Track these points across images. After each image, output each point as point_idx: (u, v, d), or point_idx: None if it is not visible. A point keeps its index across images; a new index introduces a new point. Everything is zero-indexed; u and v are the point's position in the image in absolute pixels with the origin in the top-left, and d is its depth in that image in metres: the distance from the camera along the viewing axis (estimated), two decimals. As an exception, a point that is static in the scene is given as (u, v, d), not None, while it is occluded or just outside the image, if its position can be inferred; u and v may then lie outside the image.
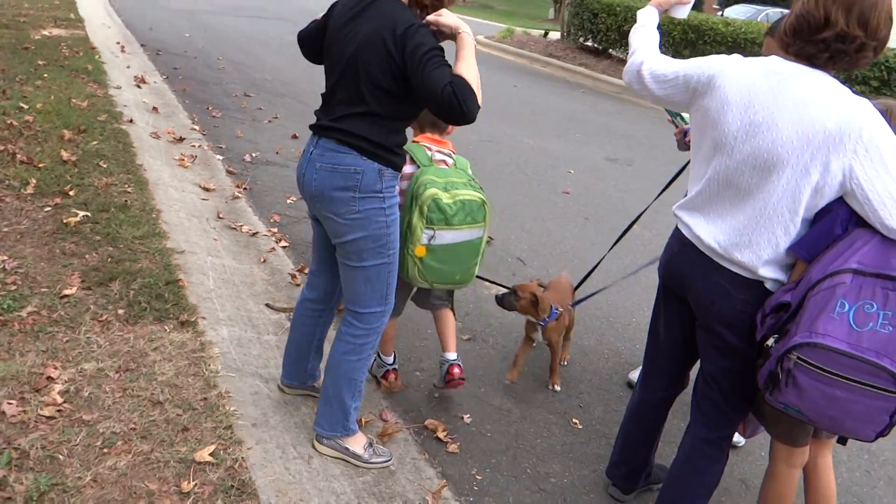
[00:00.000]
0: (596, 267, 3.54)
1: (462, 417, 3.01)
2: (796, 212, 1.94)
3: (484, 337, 3.69)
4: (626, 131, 9.30)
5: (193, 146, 5.96)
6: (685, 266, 2.21)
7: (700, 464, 2.29)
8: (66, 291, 3.20)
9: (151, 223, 4.08)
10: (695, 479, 2.30)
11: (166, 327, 3.10)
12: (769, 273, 2.02)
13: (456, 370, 2.97)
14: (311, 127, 2.39)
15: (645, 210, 3.58)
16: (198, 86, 8.28)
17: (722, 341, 2.16)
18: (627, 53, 11.10)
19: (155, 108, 6.81)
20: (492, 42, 16.54)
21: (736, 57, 2.09)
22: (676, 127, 3.11)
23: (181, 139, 6.04)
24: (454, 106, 2.06)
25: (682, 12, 2.54)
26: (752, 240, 2.02)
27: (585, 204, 6.11)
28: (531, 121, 9.11)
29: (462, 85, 2.07)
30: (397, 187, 2.39)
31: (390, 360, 3.14)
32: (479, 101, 2.13)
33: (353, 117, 2.26)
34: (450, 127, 2.91)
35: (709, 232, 2.12)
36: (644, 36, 2.36)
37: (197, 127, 6.61)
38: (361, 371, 2.56)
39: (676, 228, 2.29)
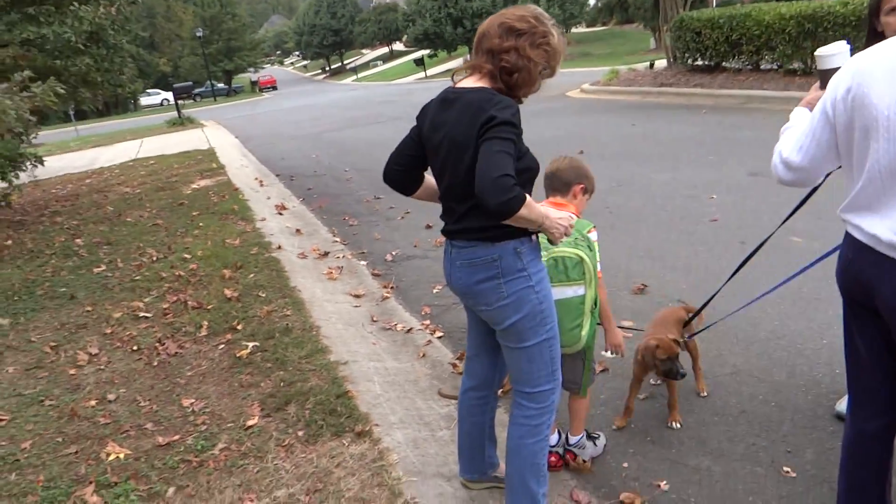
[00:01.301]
0: (714, 296, 3.27)
1: (659, 485, 2.80)
2: None
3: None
4: (762, 141, 8.77)
5: (338, 257, 6.24)
6: (865, 272, 1.98)
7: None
8: (250, 422, 3.36)
9: (313, 340, 4.25)
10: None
11: (344, 441, 3.15)
12: None
13: (552, 458, 2.87)
14: (442, 232, 2.42)
15: (779, 227, 3.24)
16: (331, 200, 8.75)
17: None
18: (747, 66, 10.68)
19: (298, 231, 7.24)
20: (598, 87, 16.45)
21: (856, 55, 1.96)
22: None
23: (326, 254, 6.35)
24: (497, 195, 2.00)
25: None
26: None
27: (738, 228, 5.74)
28: (658, 155, 8.83)
29: (511, 192, 1.99)
30: (541, 260, 2.34)
31: (574, 439, 3.00)
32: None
33: (471, 212, 2.25)
34: (575, 188, 2.84)
35: (886, 227, 1.89)
36: (786, 136, 2.25)
37: (338, 239, 6.94)
38: (542, 453, 2.46)
39: (847, 234, 2.07)
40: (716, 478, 2.80)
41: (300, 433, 3.24)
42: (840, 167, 2.10)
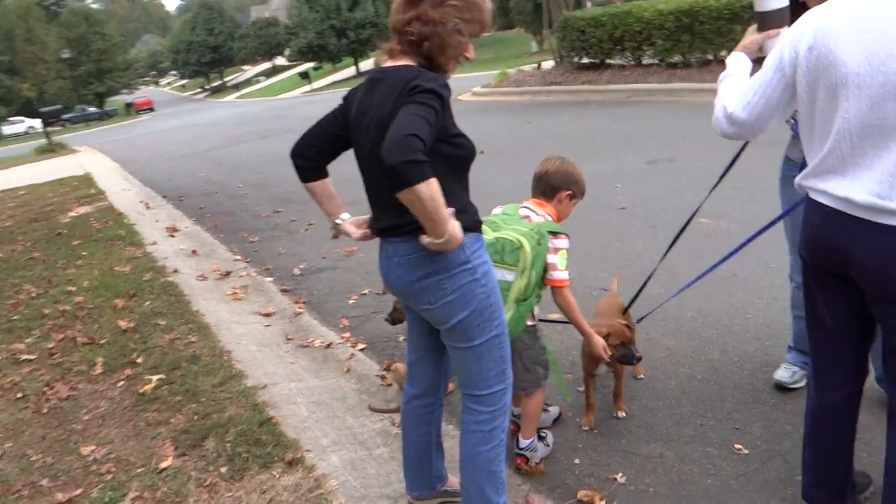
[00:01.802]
0: (649, 279, 3.23)
1: (615, 478, 2.68)
2: None
3: (602, 383, 3.37)
4: (653, 130, 9.04)
5: (241, 276, 5.87)
6: (838, 237, 1.91)
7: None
8: (163, 464, 3.00)
9: (226, 366, 3.90)
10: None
11: (274, 472, 2.86)
12: None
13: (518, 461, 2.79)
14: (376, 231, 2.24)
15: (699, 208, 3.23)
16: (227, 218, 8.30)
17: None
18: (630, 62, 10.93)
19: (194, 252, 6.78)
20: (490, 90, 16.59)
21: (811, 10, 1.88)
22: None
23: (228, 273, 5.96)
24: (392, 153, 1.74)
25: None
26: None
27: (646, 214, 5.80)
28: (557, 150, 8.79)
29: (413, 154, 1.73)
30: (485, 251, 2.16)
31: (525, 442, 2.84)
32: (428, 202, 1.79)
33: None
34: (561, 194, 2.77)
35: (859, 188, 1.82)
36: (728, 85, 2.17)
37: (239, 257, 6.54)
38: (498, 460, 2.28)
39: (812, 201, 2.00)
40: (670, 463, 2.71)
41: (223, 469, 2.92)
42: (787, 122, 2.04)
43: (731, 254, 2.85)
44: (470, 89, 17.92)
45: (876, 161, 1.79)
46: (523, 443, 2.80)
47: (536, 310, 2.73)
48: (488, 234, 2.47)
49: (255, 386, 3.64)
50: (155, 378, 3.82)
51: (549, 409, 3.09)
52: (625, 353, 2.87)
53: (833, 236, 1.92)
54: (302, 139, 2.33)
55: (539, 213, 2.72)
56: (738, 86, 2.15)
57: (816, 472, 2.25)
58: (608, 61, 14.54)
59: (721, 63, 12.10)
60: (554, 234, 2.62)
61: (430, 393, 2.46)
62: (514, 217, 2.64)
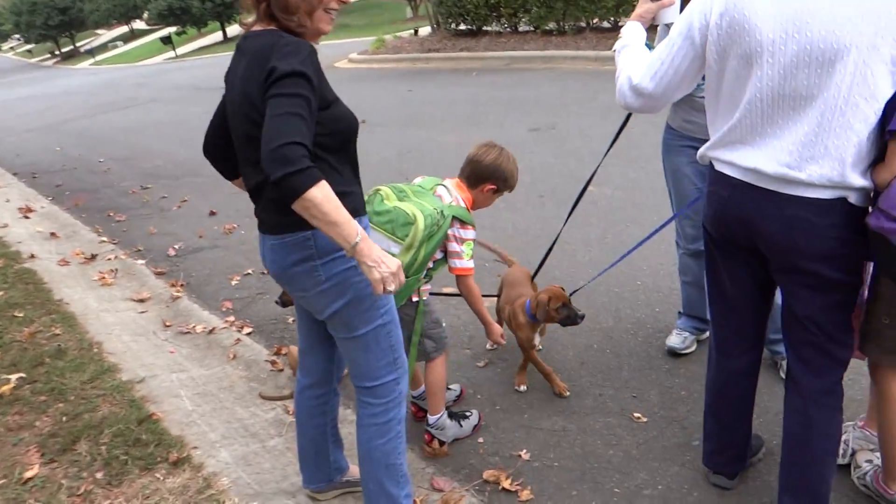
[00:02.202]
0: (552, 247, 3.24)
1: (520, 455, 2.65)
2: (874, 96, 1.67)
3: (501, 357, 3.34)
4: (533, 98, 9.13)
5: (109, 259, 5.40)
6: (745, 209, 1.91)
7: (821, 420, 2.00)
8: (28, 474, 2.69)
9: (96, 360, 3.57)
10: (821, 439, 2.00)
11: (158, 474, 2.63)
12: (856, 180, 1.74)
13: (425, 437, 2.73)
14: (256, 213, 2.05)
15: (594, 174, 3.24)
16: (89, 196, 7.65)
17: (817, 279, 1.87)
18: (507, 28, 10.97)
19: (53, 234, 6.20)
20: (368, 56, 16.23)
21: None
22: None
23: (93, 256, 5.47)
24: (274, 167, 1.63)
25: (670, 16, 2.27)
26: (828, 145, 1.73)
27: (532, 182, 5.83)
28: (440, 118, 8.82)
29: (295, 164, 1.62)
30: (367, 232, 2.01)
31: (432, 418, 2.77)
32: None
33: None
34: (485, 185, 2.64)
35: (769, 158, 1.82)
36: (628, 56, 2.11)
37: (105, 238, 6.03)
38: (397, 452, 2.18)
39: (718, 173, 1.99)
40: (573, 436, 2.72)
41: (98, 475, 2.65)
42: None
43: (660, 228, 2.86)
44: (346, 56, 17.47)
45: (786, 131, 1.79)
46: (431, 419, 2.73)
47: (427, 286, 2.63)
48: (390, 201, 2.34)
49: (131, 380, 3.35)
50: (14, 377, 3.42)
51: (451, 387, 3.03)
52: (567, 315, 2.83)
53: (741, 208, 1.92)
54: (205, 136, 2.16)
55: (453, 195, 2.59)
56: (639, 56, 2.11)
57: (718, 440, 2.30)
58: (485, 28, 14.56)
59: (595, 31, 12.41)
60: (462, 223, 2.53)
61: (323, 383, 2.33)
62: (426, 192, 2.50)
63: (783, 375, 2.82)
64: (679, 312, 3.23)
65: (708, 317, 3.12)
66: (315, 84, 1.76)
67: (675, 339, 3.14)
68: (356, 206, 1.96)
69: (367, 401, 2.14)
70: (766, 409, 2.70)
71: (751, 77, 1.79)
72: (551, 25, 13.01)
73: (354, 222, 1.70)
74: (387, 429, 2.15)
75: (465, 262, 2.57)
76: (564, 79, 10.12)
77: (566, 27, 12.68)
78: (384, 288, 1.73)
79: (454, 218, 2.50)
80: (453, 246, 2.55)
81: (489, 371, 3.23)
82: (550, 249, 3.19)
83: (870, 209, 1.78)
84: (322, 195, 1.63)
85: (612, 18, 12.13)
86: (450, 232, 2.52)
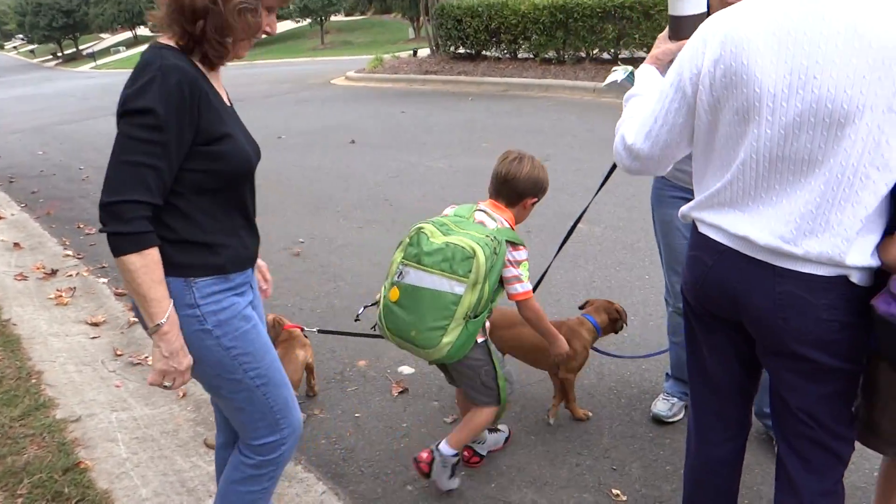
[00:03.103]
0: (540, 281, 2.99)
1: (482, 534, 2.37)
2: (887, 165, 1.42)
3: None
4: (530, 126, 8.91)
5: (70, 276, 5.11)
6: (731, 280, 1.66)
7: (822, 525, 1.73)
8: (-70, 528, 2.40)
9: (32, 393, 3.27)
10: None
11: (74, 537, 2.33)
12: (859, 259, 1.49)
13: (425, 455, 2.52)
14: None
15: (584, 212, 3.01)
16: (63, 205, 7.36)
17: (812, 365, 1.61)
18: (506, 55, 10.78)
19: (17, 245, 5.90)
20: (363, 75, 16.05)
21: (713, 17, 1.60)
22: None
23: (54, 272, 5.18)
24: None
25: None
26: (830, 219, 1.48)
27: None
28: (432, 143, 8.59)
29: (116, 225, 1.56)
30: (231, 296, 1.78)
31: (448, 450, 2.53)
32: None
33: None
34: (526, 201, 2.48)
35: (762, 227, 1.57)
36: (634, 110, 1.84)
37: (71, 252, 5.74)
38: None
39: (700, 236, 1.74)
40: (544, 514, 2.43)
41: (7, 535, 2.36)
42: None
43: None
44: (344, 73, 17.30)
45: (783, 198, 1.55)
46: (444, 448, 2.46)
47: (487, 324, 2.43)
48: (437, 238, 2.23)
49: (65, 419, 3.06)
50: (-63, 409, 3.13)
51: (500, 428, 2.81)
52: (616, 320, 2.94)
53: (726, 278, 1.67)
54: None
55: (496, 219, 2.40)
56: (640, 111, 1.85)
57: (699, 533, 2.02)
58: (484, 53, 14.40)
59: (594, 61, 12.25)
60: (513, 244, 2.34)
61: (231, 441, 2.08)
62: (467, 220, 2.36)
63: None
64: (666, 374, 2.96)
65: None
66: (168, 121, 1.55)
67: (661, 406, 2.86)
68: (225, 262, 1.74)
69: (244, 452, 1.96)
70: (760, 495, 2.42)
71: (747, 135, 1.55)
72: (551, 54, 12.85)
73: (168, 302, 1.60)
74: (254, 480, 1.97)
75: (525, 286, 2.39)
76: (561, 109, 9.93)
77: (566, 56, 12.52)
78: (160, 382, 1.67)
79: (506, 242, 2.31)
80: (510, 271, 2.36)
81: (447, 428, 2.94)
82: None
83: (876, 291, 1.53)
84: (141, 265, 1.56)
85: (612, 50, 11.97)
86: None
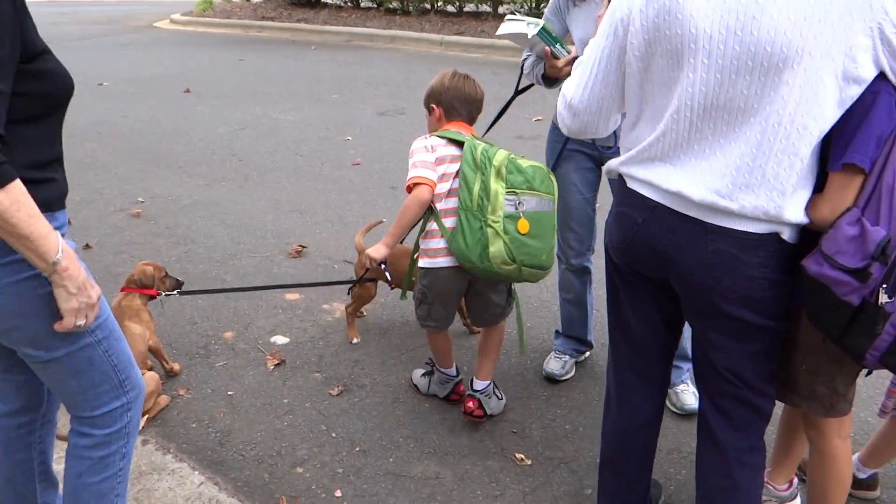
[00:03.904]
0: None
1: (388, 513, 2.21)
2: (822, 115, 1.39)
3: (358, 382, 2.87)
4: (380, 78, 8.62)
5: None
6: (661, 238, 1.60)
7: (746, 481, 1.74)
8: None
9: None
10: (744, 501, 1.75)
11: None
12: (794, 215, 1.47)
13: (469, 404, 2.53)
14: None
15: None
16: None
17: (740, 324, 1.59)
18: (348, 3, 10.26)
19: None
20: (191, 19, 14.82)
21: None
22: (556, 58, 2.39)
23: None
24: None
25: None
26: (766, 172, 1.45)
27: (383, 171, 5.36)
28: (277, 93, 8.06)
29: None
30: (61, 231, 1.51)
31: (453, 370, 2.70)
32: None
33: None
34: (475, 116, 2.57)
35: (695, 182, 1.51)
36: (574, 71, 1.73)
37: None
38: (115, 495, 1.75)
39: (628, 192, 1.66)
40: (449, 486, 2.31)
41: None
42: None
43: None
44: (168, 16, 15.88)
45: (716, 150, 1.49)
46: (479, 384, 2.56)
47: None
48: (524, 162, 2.30)
49: None
50: None
51: (498, 394, 2.67)
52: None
53: (656, 236, 1.61)
54: None
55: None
56: (580, 68, 1.73)
57: (615, 496, 1.99)
58: (324, 0, 13.79)
59: (440, 14, 12.09)
60: None
61: (27, 410, 1.79)
62: (495, 147, 2.35)
63: (673, 406, 2.60)
64: (556, 332, 2.93)
65: (588, 338, 2.87)
66: (6, 38, 1.30)
67: (553, 365, 2.82)
68: (51, 198, 1.48)
69: (85, 431, 1.68)
70: (658, 447, 2.45)
71: (680, 80, 1.47)
72: (394, 4, 12.53)
73: (55, 235, 1.35)
74: (104, 464, 1.71)
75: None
76: (410, 61, 9.69)
77: (410, 7, 12.25)
78: (72, 324, 1.45)
79: None
80: None
81: (344, 401, 2.74)
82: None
83: (802, 249, 1.53)
84: (9, 202, 1.28)
85: (457, 3, 11.86)
86: None
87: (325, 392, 2.79)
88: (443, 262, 2.35)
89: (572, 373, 2.84)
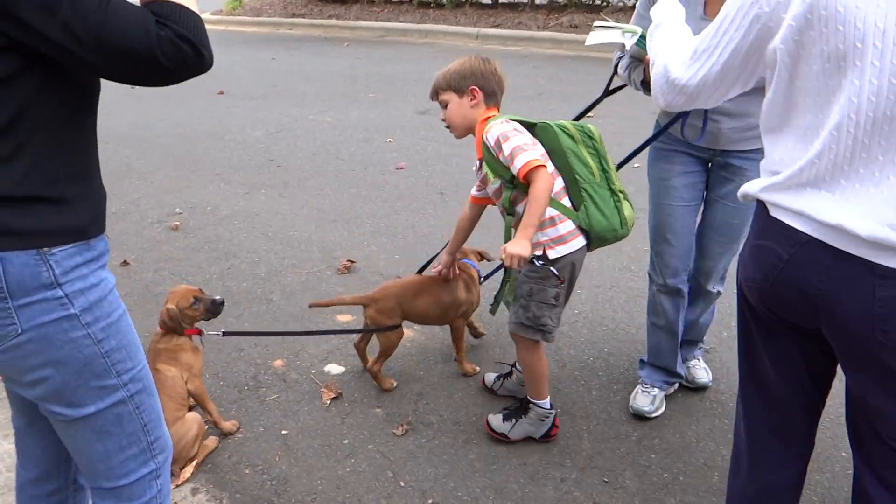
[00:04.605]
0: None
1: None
2: None
3: (424, 420, 2.60)
4: (417, 75, 8.34)
5: None
6: (813, 280, 1.30)
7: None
8: None
9: None
10: None
11: None
12: None
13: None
14: None
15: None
16: None
17: None
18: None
19: None
20: (222, 17, 14.67)
21: None
22: (638, 58, 2.13)
23: None
24: (184, 53, 1.18)
25: None
26: None
27: (429, 175, 5.08)
28: (313, 93, 7.83)
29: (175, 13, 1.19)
30: (97, 269, 1.34)
31: (548, 401, 2.44)
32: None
33: None
34: None
35: (861, 213, 1.22)
36: (664, 39, 1.56)
37: None
38: None
39: (772, 222, 1.36)
40: (538, 548, 2.03)
41: None
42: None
43: None
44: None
45: (890, 172, 1.19)
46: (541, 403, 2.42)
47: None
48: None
49: None
50: None
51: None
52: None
53: (806, 277, 1.31)
54: None
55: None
56: (679, 39, 1.53)
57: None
58: (356, -5, 13.55)
59: (474, 6, 11.76)
60: None
61: (52, 476, 1.61)
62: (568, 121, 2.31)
63: (684, 380, 2.63)
64: (641, 361, 2.64)
65: (678, 369, 2.58)
66: None
67: (641, 400, 2.53)
68: (88, 223, 1.31)
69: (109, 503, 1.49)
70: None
71: (842, 89, 1.19)
72: (428, -3, 12.25)
73: None
74: None
75: None
76: (446, 56, 9.40)
77: (444, 0, 11.95)
78: None
79: None
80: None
81: (410, 442, 2.48)
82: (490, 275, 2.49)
83: None
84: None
85: (492, -7, 11.54)
86: None
87: (388, 431, 2.53)
88: (578, 242, 2.23)
89: (663, 408, 2.55)
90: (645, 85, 2.19)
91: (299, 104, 7.34)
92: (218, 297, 2.47)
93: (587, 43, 2.23)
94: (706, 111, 2.15)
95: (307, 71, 9.07)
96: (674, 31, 1.55)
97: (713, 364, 2.77)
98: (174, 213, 4.58)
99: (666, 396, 2.59)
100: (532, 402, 2.40)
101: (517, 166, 2.08)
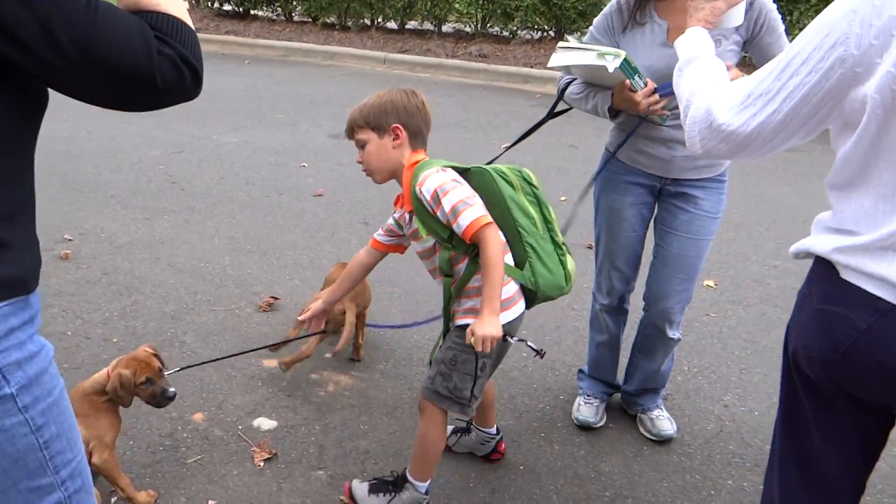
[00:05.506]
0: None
1: None
2: None
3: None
4: (325, 97, 8.03)
5: None
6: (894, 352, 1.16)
7: None
8: None
9: None
10: None
11: None
12: None
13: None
14: None
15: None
16: None
17: None
18: (274, 13, 9.58)
19: None
20: (108, 27, 13.78)
21: None
22: (634, 91, 1.99)
23: None
24: (185, 78, 1.00)
25: (735, 19, 1.82)
26: None
27: (350, 203, 4.81)
28: (216, 112, 7.35)
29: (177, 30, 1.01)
30: (35, 335, 1.09)
31: (493, 430, 2.39)
32: None
33: None
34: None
35: None
36: (702, 77, 1.38)
37: None
38: None
39: (842, 286, 1.21)
40: None
41: None
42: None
43: None
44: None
45: None
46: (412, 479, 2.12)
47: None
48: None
49: None
50: None
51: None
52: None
53: (890, 350, 1.17)
54: None
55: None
56: (720, 77, 1.36)
57: None
58: (255, 12, 13.05)
59: (381, 30, 11.59)
60: None
61: None
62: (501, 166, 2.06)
63: (648, 432, 2.53)
64: (581, 371, 2.71)
65: (615, 381, 2.61)
66: None
67: (586, 412, 2.58)
68: (27, 274, 1.07)
69: None
70: None
71: None
72: (332, 19, 11.95)
73: None
74: None
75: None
76: (353, 79, 9.15)
77: (349, 23, 11.70)
78: None
79: None
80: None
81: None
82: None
83: None
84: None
85: (399, 20, 11.39)
86: None
87: (333, 498, 2.23)
88: (520, 308, 1.99)
89: (604, 419, 2.62)
90: (612, 112, 2.11)
91: (200, 123, 6.86)
92: (172, 390, 2.09)
93: (551, 64, 2.07)
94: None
95: (206, 88, 8.48)
96: (710, 67, 1.39)
97: (673, 412, 2.65)
98: (63, 241, 4.06)
99: (634, 454, 2.45)
100: (410, 481, 2.10)
101: (462, 225, 1.80)
